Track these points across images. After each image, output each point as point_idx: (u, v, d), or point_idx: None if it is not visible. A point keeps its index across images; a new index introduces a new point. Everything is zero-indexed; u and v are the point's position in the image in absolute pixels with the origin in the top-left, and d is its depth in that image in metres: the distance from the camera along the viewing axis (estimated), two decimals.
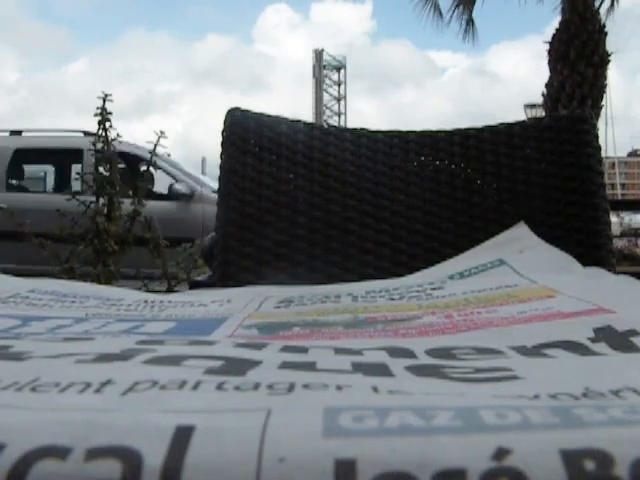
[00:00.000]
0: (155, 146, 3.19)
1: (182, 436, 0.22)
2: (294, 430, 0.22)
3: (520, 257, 0.80)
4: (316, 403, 0.25)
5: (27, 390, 0.27)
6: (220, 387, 0.27)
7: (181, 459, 0.21)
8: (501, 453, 0.21)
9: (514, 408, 0.24)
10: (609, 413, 0.24)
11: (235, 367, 0.32)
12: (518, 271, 0.74)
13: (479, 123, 1.29)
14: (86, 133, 5.77)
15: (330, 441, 0.22)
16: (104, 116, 3.06)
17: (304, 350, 0.41)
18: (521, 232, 0.89)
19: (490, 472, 0.20)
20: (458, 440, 0.22)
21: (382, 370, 0.34)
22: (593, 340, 0.42)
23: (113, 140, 3.11)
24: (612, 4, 10.79)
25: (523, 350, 0.42)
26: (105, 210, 3.05)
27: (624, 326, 0.44)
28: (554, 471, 0.20)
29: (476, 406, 0.24)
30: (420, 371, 0.34)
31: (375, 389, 0.28)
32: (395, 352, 0.42)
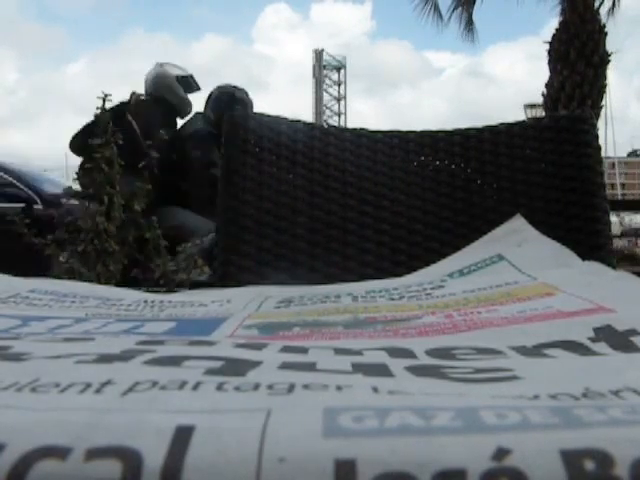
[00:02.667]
0: None
1: (182, 436, 0.22)
2: (294, 430, 0.22)
3: (519, 251, 0.80)
4: (316, 403, 0.25)
5: (27, 390, 0.27)
6: (220, 387, 0.27)
7: (181, 459, 0.21)
8: (501, 453, 0.21)
9: (514, 408, 0.24)
10: (609, 413, 0.24)
11: (235, 367, 0.32)
12: (517, 267, 0.74)
13: (477, 123, 1.28)
14: None
15: (330, 441, 0.22)
16: None
17: (304, 350, 0.41)
18: (518, 225, 0.89)
19: (490, 472, 0.20)
20: (458, 440, 0.22)
21: (382, 370, 0.34)
22: (593, 340, 0.42)
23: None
24: (613, 5, 10.80)
25: (523, 350, 0.42)
26: (105, 210, 3.05)
27: (624, 326, 0.44)
28: (554, 471, 0.20)
29: (476, 406, 0.24)
30: (420, 371, 0.34)
31: (375, 389, 0.28)
32: (395, 352, 0.42)
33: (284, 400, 0.26)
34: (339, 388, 0.28)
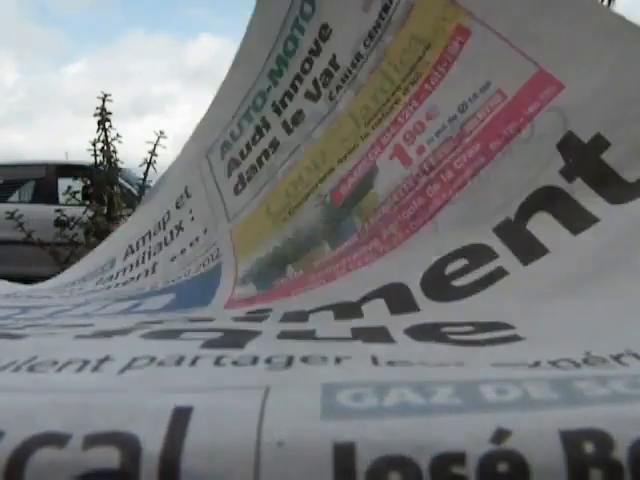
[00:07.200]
0: (155, 146, 3.17)
1: (180, 419, 0.22)
2: (292, 411, 0.22)
3: None
4: (314, 379, 0.25)
5: (25, 370, 0.27)
6: (218, 362, 0.27)
7: (180, 443, 0.21)
8: (500, 435, 0.20)
9: (514, 382, 0.24)
10: (610, 386, 0.23)
11: (233, 339, 0.32)
12: None
13: None
14: None
15: (329, 423, 0.21)
16: (104, 116, 3.04)
17: (304, 318, 0.40)
18: None
19: (489, 455, 0.20)
20: (457, 421, 0.21)
21: (382, 335, 0.34)
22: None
23: (113, 140, 3.09)
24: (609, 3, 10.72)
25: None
26: (105, 210, 3.03)
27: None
28: (553, 454, 0.20)
29: (476, 380, 0.24)
30: (420, 334, 0.34)
31: (374, 360, 0.28)
32: (395, 304, 0.41)
33: (282, 376, 0.26)
34: (338, 360, 0.27)
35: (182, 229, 0.78)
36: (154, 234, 0.85)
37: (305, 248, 0.55)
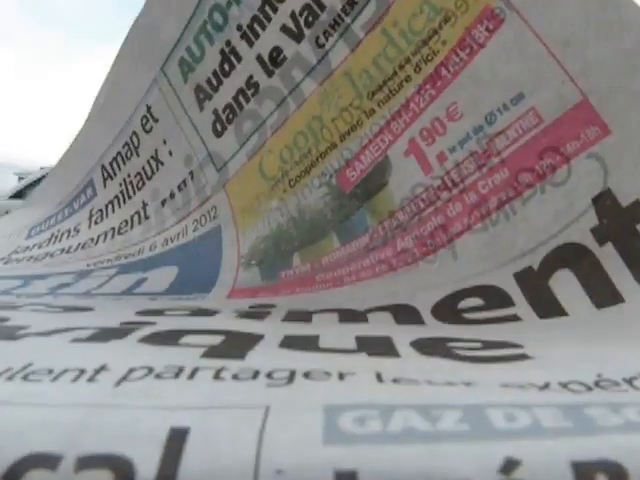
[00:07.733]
0: None
1: (176, 440, 0.21)
2: (293, 436, 0.21)
3: None
4: (316, 399, 0.24)
5: (19, 379, 0.26)
6: (217, 376, 0.26)
7: (175, 468, 0.20)
8: (509, 465, 0.20)
9: (523, 406, 0.23)
10: (623, 414, 0.22)
11: (235, 346, 0.31)
12: None
13: None
14: None
15: (330, 449, 0.21)
16: None
17: (308, 318, 0.40)
18: None
19: None
20: (464, 448, 0.21)
21: (387, 347, 0.33)
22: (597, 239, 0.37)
23: None
24: None
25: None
26: None
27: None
28: None
29: (484, 404, 0.23)
30: (426, 348, 0.33)
31: (379, 376, 0.27)
32: (400, 314, 0.41)
33: (283, 394, 0.25)
34: (341, 377, 0.27)
35: (162, 163, 0.68)
36: (127, 157, 0.70)
37: (312, 235, 0.51)
